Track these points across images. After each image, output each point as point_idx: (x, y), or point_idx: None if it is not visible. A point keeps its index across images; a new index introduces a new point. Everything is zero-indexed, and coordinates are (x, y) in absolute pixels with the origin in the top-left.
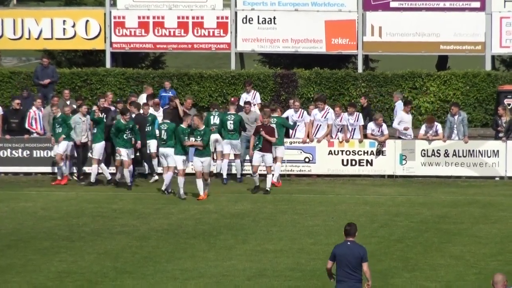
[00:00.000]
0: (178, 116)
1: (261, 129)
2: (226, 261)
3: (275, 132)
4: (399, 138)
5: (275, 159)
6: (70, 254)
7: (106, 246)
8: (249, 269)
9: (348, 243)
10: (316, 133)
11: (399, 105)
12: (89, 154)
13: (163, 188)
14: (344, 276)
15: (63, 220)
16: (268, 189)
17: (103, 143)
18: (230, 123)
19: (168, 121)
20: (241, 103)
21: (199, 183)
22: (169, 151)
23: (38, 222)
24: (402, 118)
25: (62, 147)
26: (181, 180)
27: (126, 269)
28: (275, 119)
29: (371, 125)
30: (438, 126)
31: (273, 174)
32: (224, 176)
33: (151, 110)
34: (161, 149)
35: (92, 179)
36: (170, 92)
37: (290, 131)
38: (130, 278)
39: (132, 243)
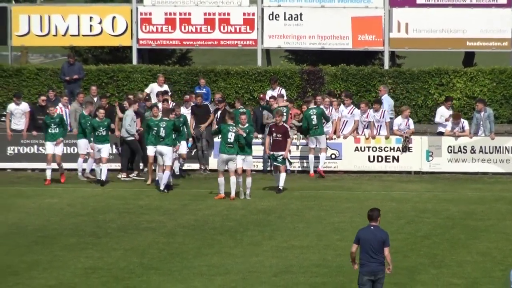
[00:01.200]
0: (202, 113)
1: (273, 129)
2: (252, 257)
3: (289, 132)
4: (440, 133)
5: (320, 150)
6: (96, 250)
7: (132, 242)
8: (275, 265)
9: (372, 227)
10: (343, 129)
11: (385, 98)
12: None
13: (162, 188)
14: (367, 259)
15: (89, 216)
16: (281, 188)
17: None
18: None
19: (167, 119)
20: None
21: (233, 180)
22: (166, 149)
23: (65, 218)
24: (443, 113)
25: (59, 149)
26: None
27: (152, 265)
28: (314, 110)
29: (397, 120)
30: (465, 123)
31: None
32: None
33: (183, 110)
34: (158, 147)
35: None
36: (204, 89)
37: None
38: (156, 274)
39: (158, 239)
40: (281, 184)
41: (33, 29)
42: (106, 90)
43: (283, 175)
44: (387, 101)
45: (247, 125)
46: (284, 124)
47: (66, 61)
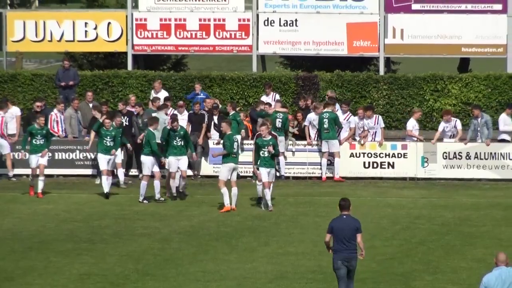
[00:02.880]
0: (198, 122)
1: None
2: (248, 264)
3: (277, 141)
4: (504, 141)
5: (332, 155)
6: (91, 256)
7: (128, 248)
8: (270, 272)
9: (344, 216)
10: (339, 136)
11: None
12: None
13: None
14: (341, 247)
15: (85, 222)
16: (272, 206)
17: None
18: (279, 121)
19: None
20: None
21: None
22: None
23: (60, 224)
24: (505, 120)
25: (45, 160)
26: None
27: (148, 271)
28: (327, 114)
29: (411, 122)
30: (457, 122)
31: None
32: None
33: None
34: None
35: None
36: (201, 94)
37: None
38: (152, 280)
39: (154, 245)
40: (269, 203)
41: (28, 34)
42: (101, 96)
43: (267, 192)
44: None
45: (270, 137)
46: (273, 132)
47: (61, 67)
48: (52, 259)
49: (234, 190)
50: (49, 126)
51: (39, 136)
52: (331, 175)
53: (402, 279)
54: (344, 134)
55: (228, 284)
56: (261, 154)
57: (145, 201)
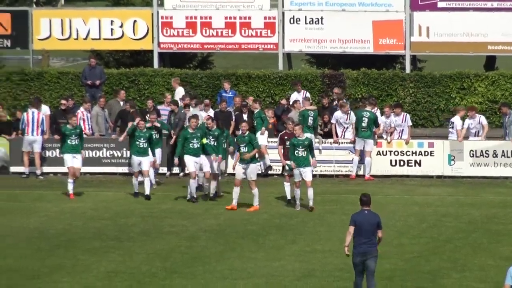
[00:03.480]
0: (225, 120)
1: (286, 137)
2: (275, 262)
3: (312, 146)
4: None
5: (365, 153)
6: (119, 254)
7: (155, 246)
8: (298, 270)
9: (365, 211)
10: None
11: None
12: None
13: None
14: (359, 241)
15: (112, 220)
16: (313, 206)
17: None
18: (311, 119)
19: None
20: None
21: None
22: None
23: (87, 222)
24: None
25: (79, 162)
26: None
27: (175, 269)
28: (367, 113)
29: (459, 120)
30: (482, 118)
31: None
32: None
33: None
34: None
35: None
36: (230, 93)
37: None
38: (179, 278)
39: (181, 243)
40: (311, 203)
41: (54, 32)
42: (128, 94)
43: (310, 191)
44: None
45: (305, 136)
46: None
47: (87, 65)
48: (80, 257)
49: (256, 190)
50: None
51: (73, 136)
52: (358, 173)
53: (429, 277)
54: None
55: (255, 282)
56: (295, 154)
57: (193, 200)
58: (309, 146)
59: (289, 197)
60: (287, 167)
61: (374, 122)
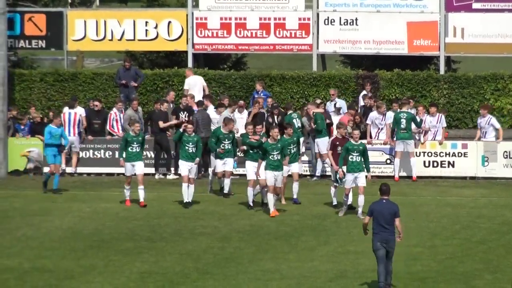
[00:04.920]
0: (261, 120)
1: (337, 142)
2: (307, 263)
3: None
4: None
5: (408, 155)
6: (151, 254)
7: (187, 246)
8: (330, 271)
9: (384, 200)
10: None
11: (340, 101)
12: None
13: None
14: (380, 229)
15: (144, 221)
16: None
17: None
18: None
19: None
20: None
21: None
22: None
23: (120, 222)
24: None
25: (141, 168)
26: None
27: (207, 270)
28: (405, 114)
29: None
30: (492, 120)
31: None
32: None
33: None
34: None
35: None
36: (262, 94)
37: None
38: (211, 279)
39: (213, 244)
40: (360, 211)
41: (88, 33)
42: (162, 95)
43: (361, 198)
44: (342, 104)
45: (360, 141)
46: (347, 137)
47: (122, 66)
48: (112, 257)
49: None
50: (108, 125)
51: (135, 143)
52: (391, 174)
53: (462, 278)
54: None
55: (288, 283)
56: (349, 159)
57: (250, 207)
58: (364, 152)
59: (335, 202)
60: (336, 174)
61: (413, 121)
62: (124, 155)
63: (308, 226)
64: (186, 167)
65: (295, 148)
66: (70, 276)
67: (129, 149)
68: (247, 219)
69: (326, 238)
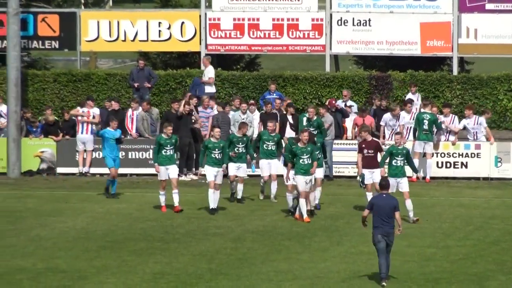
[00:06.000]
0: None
1: (363, 145)
2: (320, 263)
3: (381, 146)
4: None
5: (425, 155)
6: (164, 255)
7: (200, 247)
8: (343, 271)
9: (384, 195)
10: (408, 135)
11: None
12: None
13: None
14: (380, 223)
15: (157, 222)
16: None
17: None
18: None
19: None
20: None
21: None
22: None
23: (133, 223)
24: None
25: (175, 171)
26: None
27: (221, 271)
28: (427, 115)
29: (464, 121)
30: (481, 119)
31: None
32: None
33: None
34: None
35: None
36: (274, 94)
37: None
38: (225, 279)
39: (227, 244)
40: (411, 214)
41: (102, 34)
42: (175, 96)
43: (408, 202)
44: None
45: (403, 145)
46: (374, 138)
47: (135, 66)
48: (125, 258)
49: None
50: (125, 124)
51: (168, 146)
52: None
53: (476, 279)
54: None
55: (301, 283)
56: (393, 163)
57: (291, 212)
58: (407, 155)
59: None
60: (359, 178)
61: (434, 123)
62: (157, 159)
63: (321, 227)
64: (213, 173)
65: (320, 153)
66: (83, 276)
67: (163, 152)
68: (260, 220)
69: (339, 239)
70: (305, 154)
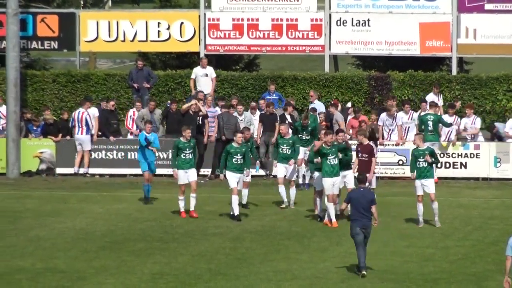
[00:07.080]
0: (270, 122)
1: (359, 149)
2: (319, 263)
3: (374, 151)
4: None
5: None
6: (163, 255)
7: (199, 247)
8: (342, 271)
9: (361, 189)
10: (407, 136)
11: (318, 104)
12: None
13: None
14: (358, 216)
15: (157, 222)
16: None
17: None
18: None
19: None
20: None
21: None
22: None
23: (132, 223)
24: None
25: (195, 175)
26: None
27: (220, 271)
28: (431, 116)
29: (464, 120)
30: (477, 120)
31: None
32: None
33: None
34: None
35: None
36: (274, 95)
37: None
38: (224, 279)
39: (225, 244)
40: (437, 218)
41: (101, 34)
42: (174, 96)
43: (435, 205)
44: (321, 107)
45: (425, 146)
46: (370, 143)
47: (135, 67)
48: (125, 258)
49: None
50: (125, 124)
51: (187, 149)
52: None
53: (474, 279)
54: (411, 134)
55: (300, 283)
56: (417, 165)
57: (319, 218)
58: (433, 154)
59: None
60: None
61: (439, 123)
62: (176, 164)
63: (320, 227)
64: (235, 179)
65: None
66: (82, 277)
67: (182, 156)
68: (258, 220)
69: (338, 239)
70: (331, 155)
